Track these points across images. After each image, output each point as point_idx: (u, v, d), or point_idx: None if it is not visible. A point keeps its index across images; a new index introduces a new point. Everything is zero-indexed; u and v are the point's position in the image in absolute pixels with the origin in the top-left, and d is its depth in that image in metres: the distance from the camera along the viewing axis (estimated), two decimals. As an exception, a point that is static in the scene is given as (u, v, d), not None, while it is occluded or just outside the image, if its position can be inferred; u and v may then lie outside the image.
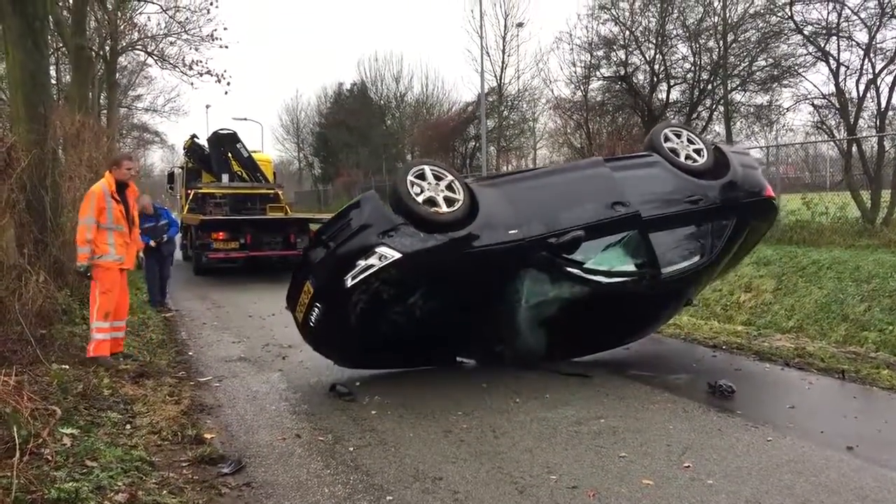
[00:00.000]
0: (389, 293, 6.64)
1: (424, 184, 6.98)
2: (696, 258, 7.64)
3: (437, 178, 7.10)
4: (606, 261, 7.28)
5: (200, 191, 19.14)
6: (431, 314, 6.90)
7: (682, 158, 8.15)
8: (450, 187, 7.09)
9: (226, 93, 25.43)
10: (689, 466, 4.87)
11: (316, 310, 6.86)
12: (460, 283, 6.94)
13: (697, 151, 8.32)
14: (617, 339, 8.25)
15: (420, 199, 6.81)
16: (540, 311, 7.35)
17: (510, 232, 6.98)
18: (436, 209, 6.82)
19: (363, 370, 7.58)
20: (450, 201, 6.94)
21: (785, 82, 22.68)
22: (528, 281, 7.13)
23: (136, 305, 12.05)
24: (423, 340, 7.34)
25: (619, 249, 7.36)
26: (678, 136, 8.51)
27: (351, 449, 5.30)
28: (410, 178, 6.99)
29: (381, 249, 6.53)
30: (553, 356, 7.80)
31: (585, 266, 7.18)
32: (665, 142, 8.32)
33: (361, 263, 6.52)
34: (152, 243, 12.76)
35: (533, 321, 7.41)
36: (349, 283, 6.53)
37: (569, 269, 7.14)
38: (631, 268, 7.37)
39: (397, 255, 6.50)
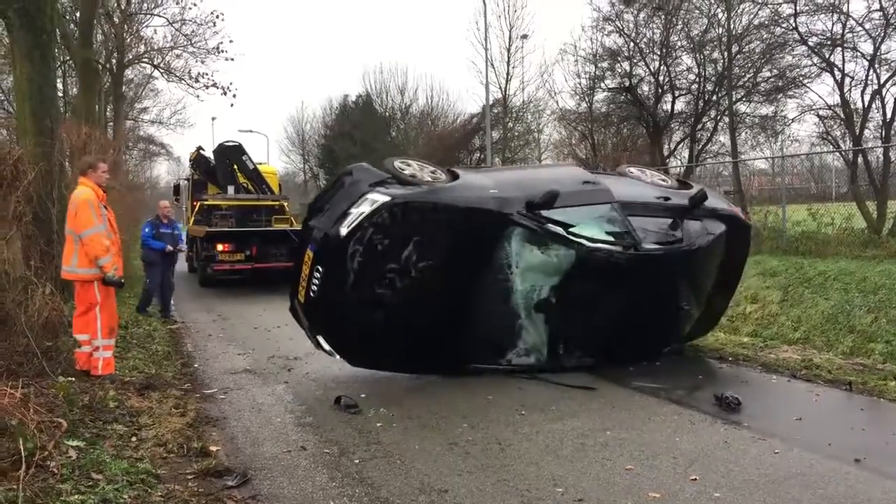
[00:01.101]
0: (383, 243, 7.14)
1: (408, 168, 7.88)
2: (675, 243, 8.26)
3: (421, 167, 8.10)
4: (587, 229, 7.90)
5: (206, 203, 19.17)
6: (426, 278, 7.28)
7: (648, 180, 9.38)
8: (433, 172, 8.08)
9: (231, 105, 25.58)
10: (695, 479, 4.85)
11: (316, 276, 7.24)
12: (449, 239, 7.41)
13: (662, 179, 9.61)
14: (623, 347, 8.30)
15: (406, 172, 7.73)
16: (534, 286, 7.76)
17: (491, 191, 7.86)
18: (420, 177, 7.74)
19: (368, 379, 7.58)
20: (433, 178, 7.93)
21: (790, 93, 22.69)
22: (514, 242, 7.69)
23: (142, 318, 12.12)
24: (423, 323, 7.47)
25: (598, 222, 8.03)
26: (642, 171, 9.80)
27: (356, 461, 5.29)
28: (397, 163, 7.96)
29: (372, 195, 7.21)
30: (558, 360, 7.97)
31: (569, 230, 7.82)
32: (630, 172, 9.59)
33: (354, 211, 7.15)
34: (169, 248, 12.88)
35: (529, 299, 7.79)
36: (344, 231, 7.07)
37: (551, 226, 7.73)
38: (611, 237, 7.96)
39: (387, 199, 7.14)
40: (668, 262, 8.18)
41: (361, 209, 7.14)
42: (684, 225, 8.44)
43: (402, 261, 7.24)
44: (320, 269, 7.26)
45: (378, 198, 7.18)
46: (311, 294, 7.35)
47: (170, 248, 12.94)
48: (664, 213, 8.53)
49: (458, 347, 7.86)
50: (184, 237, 13.99)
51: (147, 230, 12.96)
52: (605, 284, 7.86)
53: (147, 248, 12.96)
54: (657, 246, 8.14)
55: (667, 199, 8.65)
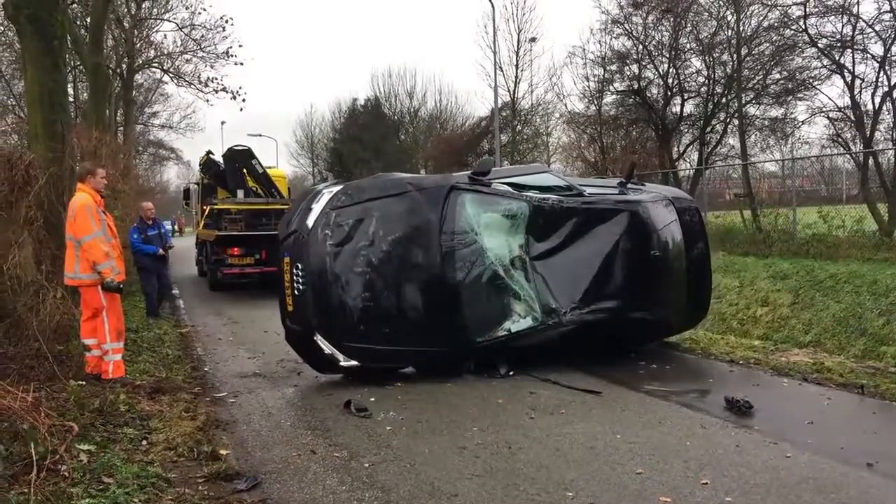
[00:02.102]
0: (347, 223, 7.79)
1: None
2: (620, 195, 9.07)
3: None
4: (533, 188, 8.68)
5: (216, 206, 19.19)
6: (398, 251, 7.83)
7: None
8: None
9: (241, 109, 25.61)
10: (706, 483, 4.82)
11: (298, 275, 7.67)
12: (405, 210, 7.99)
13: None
14: (615, 299, 8.51)
15: None
16: (502, 246, 8.23)
17: (436, 177, 8.90)
18: None
19: (378, 383, 7.58)
20: None
21: (800, 95, 22.64)
22: (469, 206, 8.23)
23: (152, 322, 12.16)
24: (412, 300, 7.85)
25: (541, 182, 8.87)
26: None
27: (366, 465, 5.29)
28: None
29: (327, 190, 8.12)
30: (554, 315, 8.20)
31: (516, 188, 8.56)
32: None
33: (315, 206, 7.86)
34: (161, 251, 12.91)
35: (502, 259, 8.19)
36: (311, 222, 7.74)
37: (497, 186, 8.47)
38: (556, 191, 8.76)
39: (340, 187, 8.13)
40: (618, 209, 8.74)
41: (321, 201, 7.92)
42: (628, 191, 9.26)
43: (370, 236, 7.81)
44: (299, 265, 7.70)
45: (334, 188, 8.13)
46: (297, 293, 7.70)
47: (161, 251, 13.01)
48: (605, 185, 9.63)
49: (455, 324, 7.93)
50: (171, 236, 14.04)
51: (135, 236, 12.83)
52: (568, 235, 8.55)
53: (139, 253, 12.88)
54: (601, 193, 9.05)
55: (602, 176, 9.99)
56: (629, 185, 9.49)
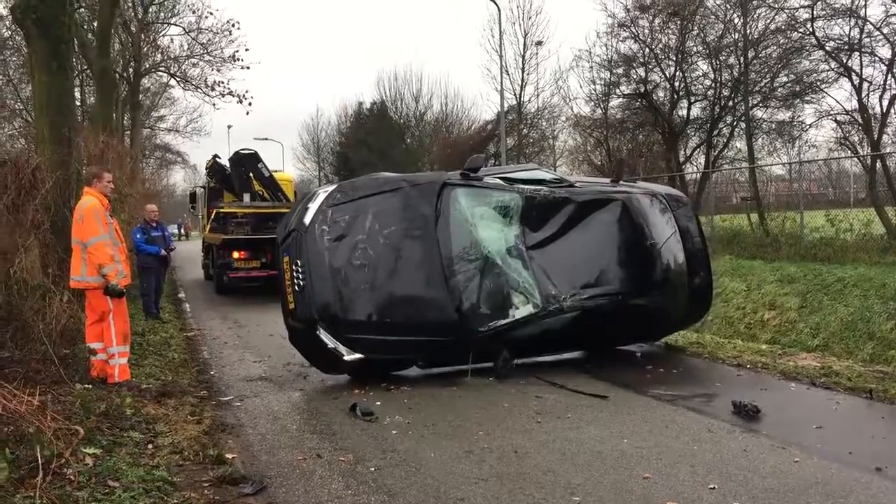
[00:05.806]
0: (344, 219, 7.98)
1: None
2: (612, 190, 9.25)
3: None
4: (523, 182, 8.89)
5: (222, 210, 19.24)
6: (395, 243, 7.99)
7: None
8: None
9: (247, 113, 25.66)
10: (714, 488, 4.80)
11: (298, 272, 7.82)
12: (401, 205, 8.22)
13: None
14: (615, 284, 8.68)
15: None
16: (498, 237, 8.39)
17: (428, 174, 9.28)
18: None
19: (383, 387, 7.57)
20: None
21: (807, 98, 22.60)
22: (462, 199, 8.44)
23: (158, 325, 12.17)
24: (411, 291, 7.96)
25: (531, 175, 9.18)
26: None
27: (372, 469, 5.28)
28: None
29: (323, 189, 8.55)
30: (555, 301, 8.27)
31: (507, 180, 8.82)
32: None
33: (312, 205, 8.10)
34: (163, 252, 12.98)
35: (499, 249, 8.33)
36: (308, 219, 7.94)
37: (489, 180, 8.71)
38: (547, 183, 9.04)
39: (334, 186, 8.55)
40: (609, 199, 9.02)
41: (318, 200, 8.16)
42: (619, 187, 9.45)
43: (367, 230, 7.97)
44: (299, 262, 7.83)
45: (329, 188, 8.51)
46: (297, 289, 7.80)
47: (164, 252, 13.12)
48: (595, 182, 9.98)
49: (456, 314, 7.93)
50: (172, 239, 14.16)
51: (139, 236, 12.91)
52: (563, 224, 8.76)
53: (143, 253, 12.94)
54: (593, 185, 9.46)
55: (595, 175, 10.20)
56: (621, 183, 9.63)
